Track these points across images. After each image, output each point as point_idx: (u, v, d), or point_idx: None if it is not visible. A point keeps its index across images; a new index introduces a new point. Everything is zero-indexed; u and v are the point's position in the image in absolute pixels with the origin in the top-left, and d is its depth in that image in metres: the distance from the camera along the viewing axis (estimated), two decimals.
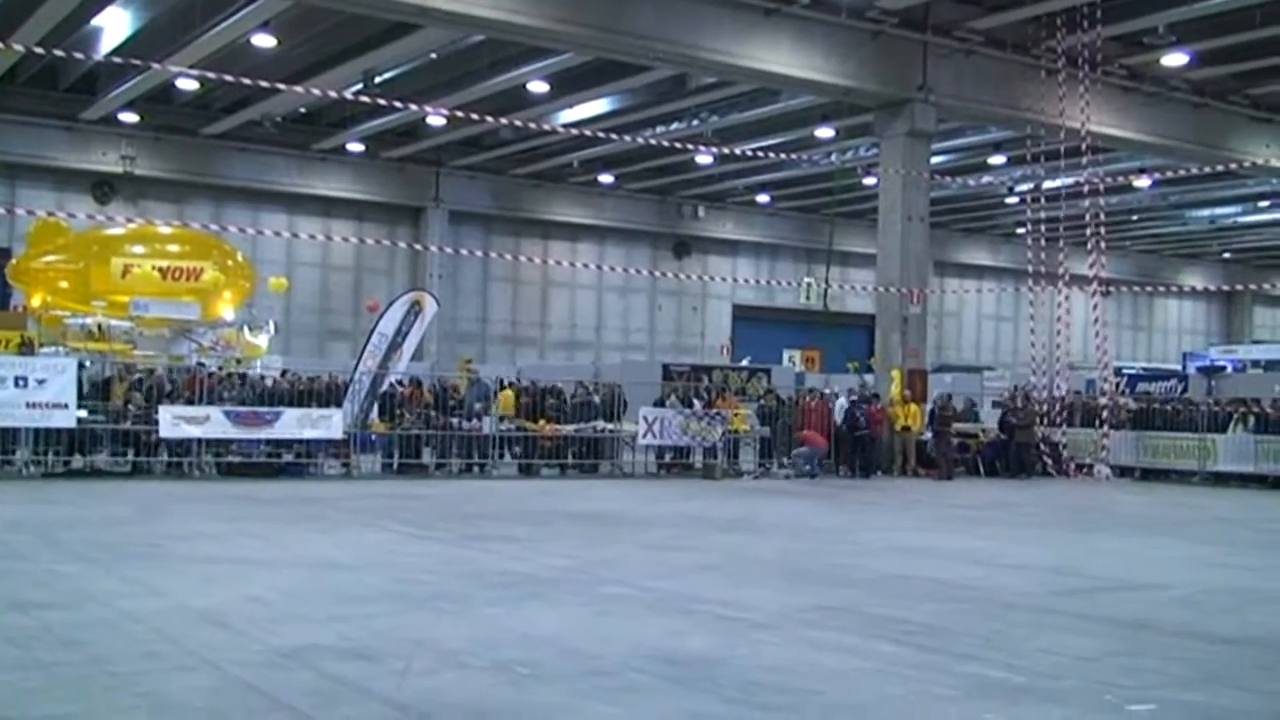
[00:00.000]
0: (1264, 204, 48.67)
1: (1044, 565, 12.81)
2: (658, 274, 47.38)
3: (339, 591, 9.89)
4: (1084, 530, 17.15)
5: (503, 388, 25.73)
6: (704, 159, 41.79)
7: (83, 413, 20.96)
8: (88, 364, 23.33)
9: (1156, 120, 32.88)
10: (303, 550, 12.53)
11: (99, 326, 28.61)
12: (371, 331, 25.34)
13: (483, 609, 9.26)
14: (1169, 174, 35.47)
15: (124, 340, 28.84)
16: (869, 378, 31.53)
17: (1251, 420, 26.43)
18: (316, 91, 27.89)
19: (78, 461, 21.45)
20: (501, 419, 24.71)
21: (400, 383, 25.29)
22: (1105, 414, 28.38)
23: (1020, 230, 40.81)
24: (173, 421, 21.24)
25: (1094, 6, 27.19)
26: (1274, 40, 29.01)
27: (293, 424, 22.24)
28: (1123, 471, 27.94)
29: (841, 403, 27.23)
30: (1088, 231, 30.25)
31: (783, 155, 34.40)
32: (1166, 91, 32.46)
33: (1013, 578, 11.77)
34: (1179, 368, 48.11)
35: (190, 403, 22.15)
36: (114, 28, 29.16)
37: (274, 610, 8.96)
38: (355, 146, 41.64)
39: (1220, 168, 33.25)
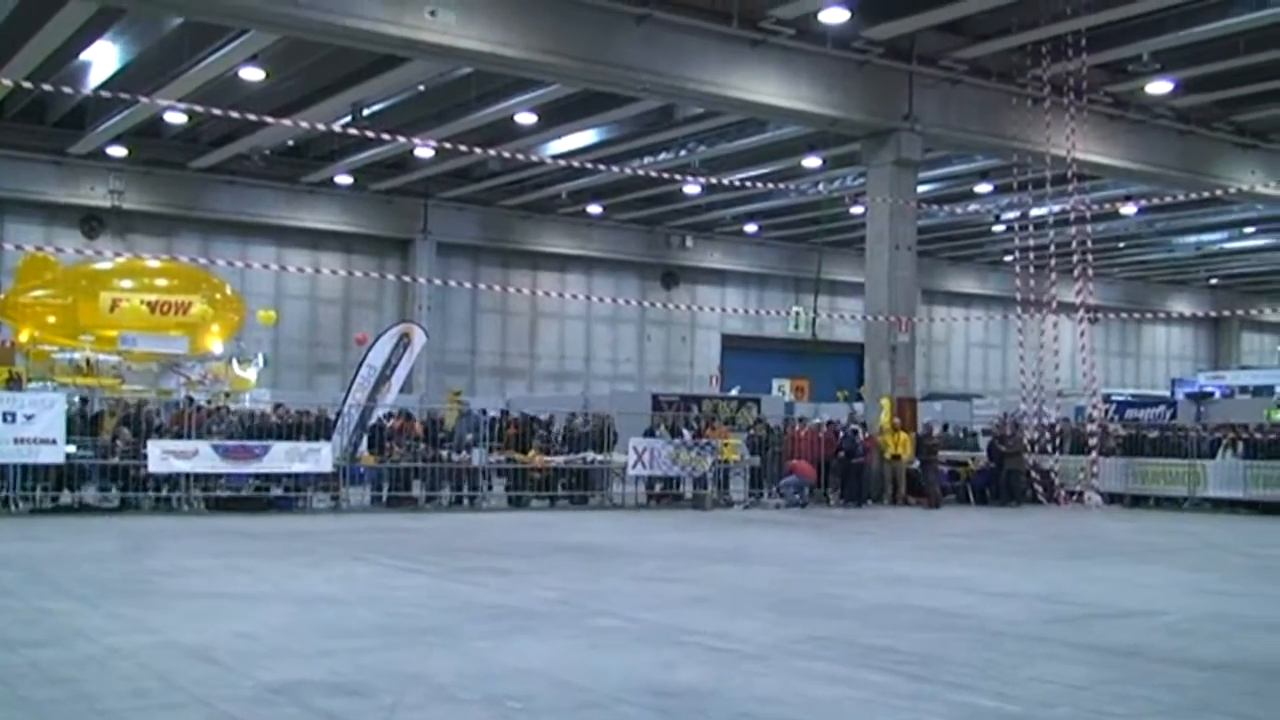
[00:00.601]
0: (1250, 230, 48.86)
1: (1035, 593, 12.81)
2: (646, 304, 47.41)
3: (328, 626, 9.85)
4: (1074, 558, 17.15)
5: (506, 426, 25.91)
6: (691, 189, 41.88)
7: (71, 448, 20.89)
8: (79, 400, 23.28)
9: (1142, 147, 33.04)
10: (292, 585, 12.49)
11: (87, 361, 28.59)
12: (360, 364, 25.34)
13: (473, 642, 9.23)
14: (1155, 201, 35.65)
15: (112, 375, 28.82)
16: (858, 406, 31.54)
17: (1240, 445, 26.50)
18: (305, 124, 27.95)
19: (66, 497, 21.37)
20: (492, 450, 24.69)
21: (389, 415, 25.27)
22: (1094, 440, 28.43)
23: (1007, 258, 41.01)
24: (161, 456, 21.19)
25: (1078, 35, 27.34)
26: (1257, 67, 29.20)
27: (281, 457, 22.20)
28: (1113, 498, 27.95)
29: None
30: (1074, 259, 30.36)
31: (770, 185, 34.51)
32: (1152, 119, 32.64)
33: (1004, 606, 11.77)
34: (1168, 394, 48.22)
35: (179, 437, 22.10)
36: (102, 62, 29.19)
37: (263, 646, 8.92)
38: (344, 179, 41.68)
39: (1206, 194, 33.40)
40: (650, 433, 26.49)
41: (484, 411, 26.51)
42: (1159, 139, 33.33)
